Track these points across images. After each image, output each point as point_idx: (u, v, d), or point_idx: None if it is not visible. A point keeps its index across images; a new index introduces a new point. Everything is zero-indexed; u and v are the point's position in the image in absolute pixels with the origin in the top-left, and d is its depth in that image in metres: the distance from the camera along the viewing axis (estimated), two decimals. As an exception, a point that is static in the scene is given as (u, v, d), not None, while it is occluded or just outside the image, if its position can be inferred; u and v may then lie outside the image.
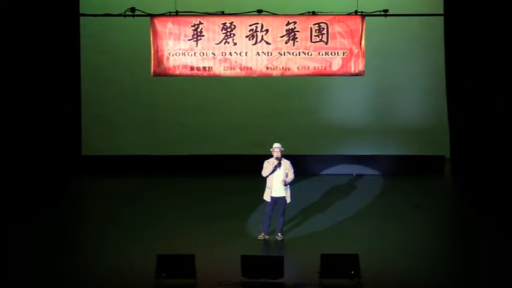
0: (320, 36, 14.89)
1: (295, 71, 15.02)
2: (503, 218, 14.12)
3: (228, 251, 12.33)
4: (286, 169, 12.95)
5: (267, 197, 13.04)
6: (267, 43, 14.95)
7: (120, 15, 15.12)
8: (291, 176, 12.98)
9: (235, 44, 14.95)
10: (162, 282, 10.94)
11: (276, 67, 15.00)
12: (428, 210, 15.27)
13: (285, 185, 12.92)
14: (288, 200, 13.04)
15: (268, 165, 12.97)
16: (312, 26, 14.90)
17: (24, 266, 11.76)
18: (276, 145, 12.96)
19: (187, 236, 13.38)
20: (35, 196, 15.58)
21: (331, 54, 14.90)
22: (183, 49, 14.98)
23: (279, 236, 13.05)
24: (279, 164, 12.90)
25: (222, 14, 14.93)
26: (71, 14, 16.76)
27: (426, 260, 12.06)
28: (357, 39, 14.84)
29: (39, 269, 11.66)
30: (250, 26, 14.92)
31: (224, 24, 14.93)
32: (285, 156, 13.14)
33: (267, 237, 13.07)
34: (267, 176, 12.98)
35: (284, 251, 12.47)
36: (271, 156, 13.05)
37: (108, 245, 12.95)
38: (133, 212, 15.07)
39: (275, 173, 12.92)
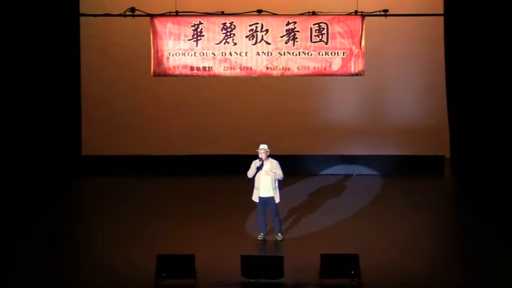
0: (320, 36, 14.90)
1: (295, 71, 15.02)
2: (503, 218, 14.13)
3: (228, 251, 12.33)
4: (273, 169, 12.93)
5: (255, 197, 13.10)
6: (267, 43, 14.95)
7: (120, 15, 15.13)
8: (279, 173, 12.96)
9: (235, 44, 14.96)
10: (162, 282, 10.94)
11: (276, 67, 15.01)
12: (428, 210, 15.27)
13: (276, 179, 12.91)
14: (277, 200, 13.04)
15: (254, 166, 13.02)
16: (312, 26, 14.92)
17: (24, 266, 11.76)
18: (262, 146, 12.98)
19: (187, 236, 13.38)
20: (35, 196, 15.58)
21: (331, 54, 14.90)
22: (183, 49, 14.99)
23: (279, 236, 13.06)
24: (261, 165, 12.91)
25: (222, 14, 14.94)
26: (71, 14, 16.76)
27: (426, 260, 12.05)
28: (356, 39, 14.85)
29: (39, 269, 11.65)
30: (250, 26, 14.93)
31: (224, 24, 14.94)
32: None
33: (266, 237, 13.07)
34: (253, 177, 13.02)
35: (284, 251, 12.46)
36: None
37: (108, 245, 12.94)
38: (133, 211, 15.07)
39: (262, 174, 12.92)
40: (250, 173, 13.06)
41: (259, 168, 12.93)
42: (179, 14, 14.93)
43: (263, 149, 12.96)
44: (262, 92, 18.45)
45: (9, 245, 12.82)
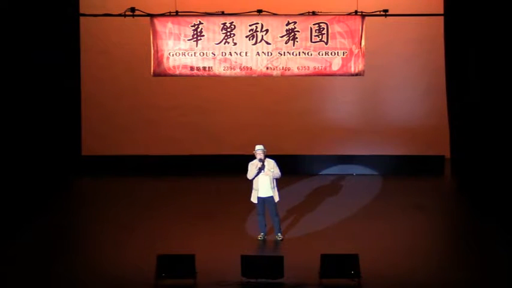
0: (320, 36, 14.89)
1: (295, 71, 15.01)
2: (503, 218, 14.13)
3: (228, 251, 12.33)
4: (271, 168, 12.94)
5: (254, 198, 13.10)
6: (267, 43, 14.94)
7: (120, 15, 15.12)
8: (277, 172, 12.98)
9: (235, 44, 14.95)
10: (162, 282, 10.94)
11: (276, 67, 15.00)
12: (429, 211, 15.26)
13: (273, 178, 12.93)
14: (276, 198, 13.04)
15: (252, 167, 13.00)
16: (312, 26, 14.90)
17: (23, 265, 11.76)
18: (258, 147, 12.98)
19: (187, 236, 13.38)
20: (34, 196, 15.58)
21: (331, 54, 14.90)
22: (183, 49, 14.98)
23: (279, 236, 13.06)
24: (263, 166, 12.91)
25: (222, 14, 14.93)
26: (71, 14, 16.77)
27: (426, 260, 12.05)
28: (357, 39, 14.84)
29: (38, 269, 11.65)
30: (250, 26, 14.92)
31: (224, 24, 14.93)
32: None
33: (266, 237, 13.07)
34: (253, 179, 13.01)
35: (284, 251, 12.46)
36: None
37: (108, 245, 12.94)
38: (133, 211, 15.07)
39: (261, 174, 12.93)
40: (250, 175, 13.04)
41: (260, 169, 12.91)
42: (179, 14, 14.92)
43: (260, 149, 12.96)
44: (262, 92, 18.45)
45: (9, 244, 12.82)
